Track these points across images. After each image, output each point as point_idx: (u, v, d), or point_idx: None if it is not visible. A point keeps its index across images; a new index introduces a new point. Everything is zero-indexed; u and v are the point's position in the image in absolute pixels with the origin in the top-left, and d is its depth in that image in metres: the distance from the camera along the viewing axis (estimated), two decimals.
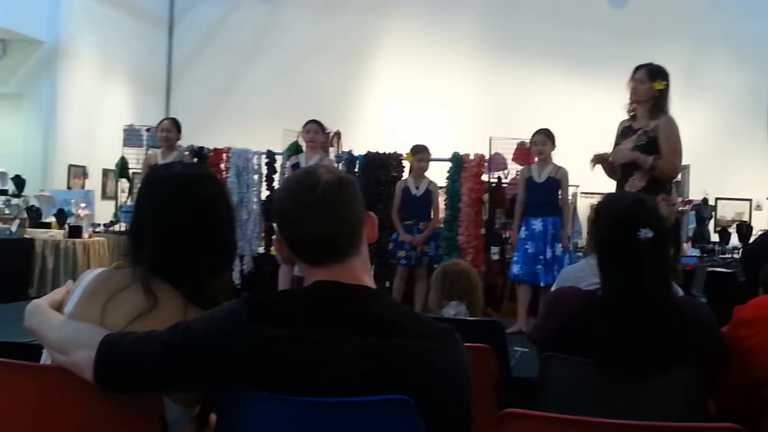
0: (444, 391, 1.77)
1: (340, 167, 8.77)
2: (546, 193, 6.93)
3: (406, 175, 8.45)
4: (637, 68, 5.57)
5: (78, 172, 12.41)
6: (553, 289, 3.32)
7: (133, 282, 2.04)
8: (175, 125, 7.98)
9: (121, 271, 2.12)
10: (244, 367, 1.74)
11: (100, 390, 1.87)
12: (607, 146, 5.79)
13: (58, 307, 2.11)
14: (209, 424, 2.05)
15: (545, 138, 6.95)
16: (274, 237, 8.75)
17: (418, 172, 7.78)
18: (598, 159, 5.77)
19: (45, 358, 2.10)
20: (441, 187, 8.35)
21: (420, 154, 7.76)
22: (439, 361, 1.78)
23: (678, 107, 5.60)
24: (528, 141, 7.71)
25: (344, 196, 1.88)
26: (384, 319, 1.80)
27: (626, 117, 5.72)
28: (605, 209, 2.68)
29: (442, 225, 8.36)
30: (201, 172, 2.25)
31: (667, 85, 5.53)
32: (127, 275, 2.07)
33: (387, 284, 7.88)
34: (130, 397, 1.90)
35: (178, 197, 2.13)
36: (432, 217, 7.81)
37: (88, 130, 12.48)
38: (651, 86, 5.48)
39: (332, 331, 1.76)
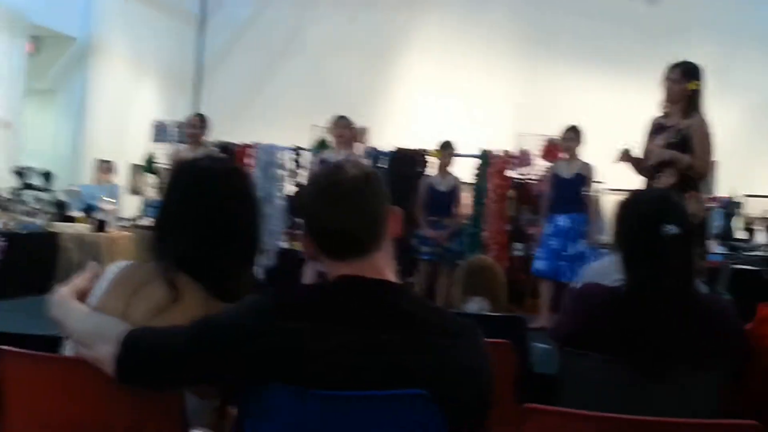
0: (464, 387, 1.77)
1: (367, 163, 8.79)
2: (572, 189, 6.91)
3: (431, 170, 8.46)
4: (672, 67, 5.54)
5: (106, 167, 12.51)
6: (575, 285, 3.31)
7: (156, 276, 2.05)
8: (203, 121, 8.02)
9: (145, 264, 2.13)
10: (266, 361, 1.74)
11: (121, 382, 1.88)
12: (635, 143, 5.76)
13: (83, 295, 2.12)
14: (228, 416, 2.06)
15: (574, 135, 6.94)
16: (299, 231, 8.79)
17: (444, 168, 7.78)
18: (627, 157, 5.73)
19: (68, 350, 2.12)
20: (466, 183, 8.34)
21: (447, 150, 7.76)
22: (460, 356, 1.78)
23: (709, 104, 5.57)
24: (556, 137, 7.69)
25: (370, 191, 1.88)
26: (406, 314, 1.80)
27: (659, 113, 5.70)
28: (630, 205, 2.66)
29: (465, 221, 8.35)
30: (228, 166, 2.26)
31: (701, 85, 5.49)
32: (151, 269, 2.07)
33: (410, 280, 7.87)
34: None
35: (204, 191, 2.14)
36: (456, 213, 7.80)
37: (118, 126, 12.58)
38: (685, 86, 5.45)
39: (355, 325, 1.76)
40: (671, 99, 5.52)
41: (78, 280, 2.16)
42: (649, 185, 5.53)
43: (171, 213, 2.17)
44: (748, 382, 2.52)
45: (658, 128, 5.60)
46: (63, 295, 2.10)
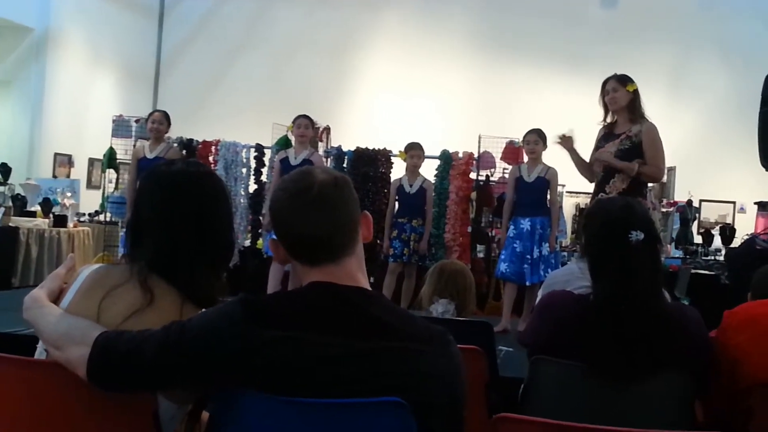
0: (438, 393, 1.78)
1: (328, 162, 8.79)
2: (535, 192, 6.94)
3: (394, 171, 8.47)
4: (605, 82, 5.75)
5: (64, 160, 12.37)
6: (540, 293, 3.34)
7: (130, 278, 2.04)
8: (166, 118, 8.00)
9: (118, 267, 2.12)
10: (238, 369, 1.74)
11: (93, 386, 1.86)
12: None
13: (57, 297, 2.10)
14: (201, 421, 2.06)
15: (537, 138, 6.97)
16: (260, 230, 8.76)
17: (411, 169, 7.77)
18: (568, 143, 6.04)
19: (39, 353, 2.10)
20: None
21: (411, 151, 7.76)
22: (432, 363, 1.79)
23: (665, 108, 5.69)
24: (517, 140, 7.73)
25: (340, 195, 1.88)
26: (379, 322, 1.81)
27: (604, 125, 5.86)
28: (596, 213, 2.69)
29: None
30: (202, 170, 2.25)
31: (637, 89, 5.69)
32: (125, 271, 2.07)
33: (372, 279, 7.85)
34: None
35: (178, 195, 2.14)
36: (427, 215, 7.83)
37: (75, 119, 12.45)
38: (625, 91, 5.64)
39: (327, 333, 1.76)
40: (618, 107, 5.70)
41: (51, 282, 2.15)
42: (600, 188, 5.67)
43: (145, 216, 2.17)
44: (713, 389, 2.56)
45: (607, 136, 5.75)
46: (35, 297, 2.08)
